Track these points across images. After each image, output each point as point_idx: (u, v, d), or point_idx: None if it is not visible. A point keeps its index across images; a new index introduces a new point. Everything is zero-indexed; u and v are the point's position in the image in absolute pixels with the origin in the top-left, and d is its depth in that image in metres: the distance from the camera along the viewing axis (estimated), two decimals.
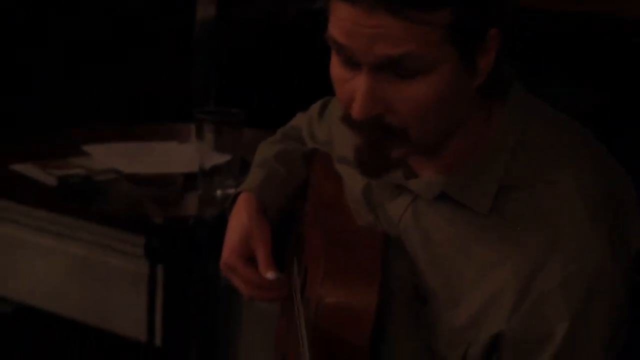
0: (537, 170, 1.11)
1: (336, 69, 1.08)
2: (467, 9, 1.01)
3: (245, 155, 1.81)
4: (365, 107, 1.03)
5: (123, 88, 2.75)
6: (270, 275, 1.26)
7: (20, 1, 2.92)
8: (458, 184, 1.13)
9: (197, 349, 2.40)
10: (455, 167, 1.14)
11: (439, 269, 1.16)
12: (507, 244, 1.09)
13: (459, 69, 1.04)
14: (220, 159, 1.84)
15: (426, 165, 1.17)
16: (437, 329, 1.16)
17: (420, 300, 1.17)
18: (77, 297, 2.61)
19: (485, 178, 1.11)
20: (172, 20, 2.69)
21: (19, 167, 1.97)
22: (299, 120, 1.53)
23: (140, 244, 2.32)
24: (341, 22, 1.02)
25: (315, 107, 1.49)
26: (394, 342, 1.20)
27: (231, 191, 1.80)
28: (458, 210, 1.13)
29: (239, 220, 1.35)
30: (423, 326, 1.18)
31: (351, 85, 1.05)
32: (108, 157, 2.03)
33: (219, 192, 1.84)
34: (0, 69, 2.86)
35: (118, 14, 2.77)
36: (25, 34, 2.92)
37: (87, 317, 2.61)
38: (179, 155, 2.05)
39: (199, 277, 2.28)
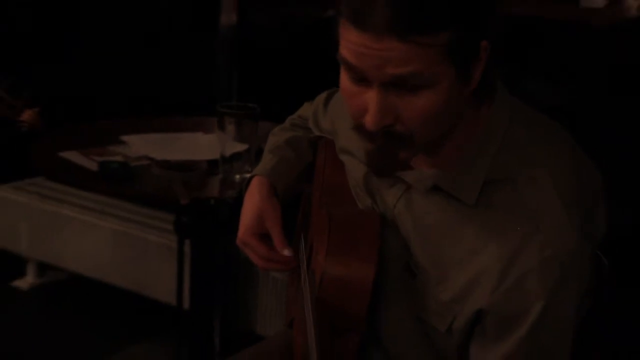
0: (518, 166, 1.08)
1: (346, 84, 1.05)
2: (463, 29, 0.98)
3: (261, 145, 1.80)
4: (378, 120, 1.01)
5: (156, 86, 2.76)
6: (286, 252, 1.25)
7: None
8: (449, 177, 1.10)
9: (220, 312, 2.39)
10: (446, 161, 1.11)
11: (428, 250, 1.13)
12: (490, 231, 1.07)
13: (457, 80, 1.01)
14: (239, 147, 1.82)
15: (421, 159, 1.14)
16: (424, 301, 1.14)
17: (411, 273, 1.15)
18: (117, 266, 2.61)
19: (473, 173, 1.09)
20: (198, 25, 2.67)
21: (66, 154, 1.97)
22: (306, 110, 1.49)
23: (170, 221, 2.35)
24: (352, 45, 0.99)
25: (321, 98, 1.44)
26: (387, 309, 1.18)
27: (248, 176, 1.79)
28: (447, 200, 1.11)
29: (253, 201, 1.32)
30: (413, 298, 1.15)
31: (361, 99, 1.03)
32: (142, 145, 2.03)
33: (237, 177, 1.81)
34: (54, 68, 2.84)
35: (152, 20, 2.76)
36: (73, 36, 2.91)
37: (125, 283, 2.61)
38: (203, 144, 2.04)
39: (221, 250, 2.27)
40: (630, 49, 1.75)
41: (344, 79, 1.05)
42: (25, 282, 2.83)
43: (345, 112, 1.16)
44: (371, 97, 1.01)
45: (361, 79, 1.02)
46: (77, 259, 2.68)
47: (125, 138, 2.06)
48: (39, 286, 2.83)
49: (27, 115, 1.67)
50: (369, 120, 1.02)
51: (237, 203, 1.37)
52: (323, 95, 1.44)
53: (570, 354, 1.09)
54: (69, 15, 2.90)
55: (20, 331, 2.60)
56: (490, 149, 1.09)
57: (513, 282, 1.04)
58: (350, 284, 1.08)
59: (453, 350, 1.14)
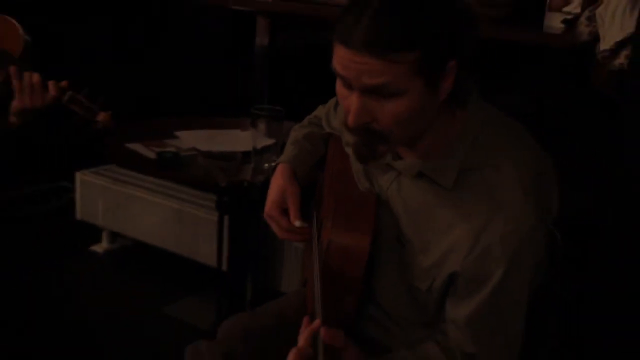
0: (485, 158, 1.07)
1: (339, 88, 1.05)
2: (430, 50, 0.96)
3: (285, 140, 1.78)
4: (356, 119, 1.01)
5: (204, 92, 2.74)
6: (297, 223, 1.24)
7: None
8: (431, 166, 1.09)
9: (251, 273, 2.38)
10: (430, 153, 1.10)
11: (413, 225, 1.13)
12: (463, 210, 1.06)
13: (425, 92, 0.99)
14: (268, 142, 1.81)
15: (409, 151, 1.13)
16: (410, 266, 1.13)
17: (400, 244, 1.14)
18: (171, 235, 2.60)
19: (450, 162, 1.08)
20: (238, 45, 2.66)
21: (131, 146, 1.98)
22: (320, 111, 1.48)
23: (213, 200, 2.31)
24: (339, 59, 1.00)
25: (332, 102, 1.43)
26: (382, 273, 1.18)
27: (274, 164, 1.77)
28: (430, 185, 1.10)
29: (277, 183, 1.32)
30: (401, 263, 1.15)
31: (349, 100, 1.03)
32: (191, 139, 2.02)
33: (266, 165, 1.80)
34: (126, 77, 2.84)
35: (204, 41, 2.76)
36: (143, 52, 2.90)
37: (177, 249, 2.60)
38: (239, 139, 2.04)
39: (253, 223, 2.26)
40: (581, 67, 1.72)
41: (338, 84, 1.05)
42: (101, 247, 2.84)
43: None
44: (353, 100, 1.01)
45: (348, 85, 1.02)
46: (141, 229, 2.67)
47: (178, 133, 2.07)
48: (111, 251, 2.83)
49: (101, 117, 1.65)
50: (349, 119, 1.02)
51: (266, 185, 1.36)
52: (334, 99, 1.43)
53: (524, 315, 1.08)
54: (140, 36, 2.91)
55: (97, 285, 2.61)
56: (464, 144, 1.08)
57: (480, 252, 1.04)
58: (350, 250, 1.07)
59: (432, 304, 1.14)
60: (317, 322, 0.98)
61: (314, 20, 2.24)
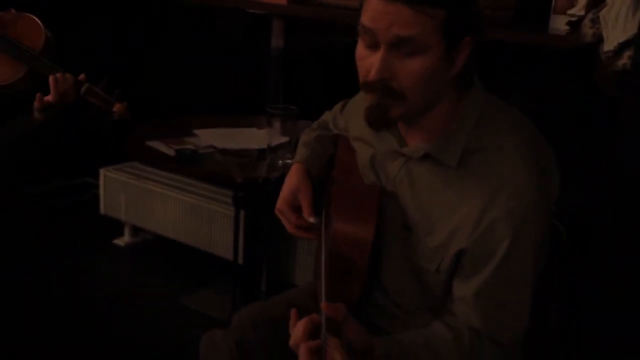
0: (489, 139, 1.10)
1: (360, 50, 1.09)
2: (454, 14, 1.02)
3: (299, 138, 1.80)
4: (379, 71, 1.04)
5: (221, 92, 2.76)
6: (311, 219, 1.25)
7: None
8: (436, 147, 1.13)
9: (266, 266, 2.41)
10: (434, 137, 1.13)
11: (421, 207, 1.15)
12: (468, 188, 1.09)
13: (443, 57, 1.04)
14: (282, 140, 1.84)
15: (414, 136, 1.17)
16: (418, 249, 1.16)
17: (408, 230, 1.17)
18: (189, 230, 2.63)
19: (454, 143, 1.11)
20: (255, 47, 2.68)
21: (152, 143, 2.00)
22: (327, 116, 1.52)
23: (229, 195, 2.36)
24: (370, 11, 1.04)
25: (338, 106, 1.48)
26: (388, 259, 1.21)
27: (288, 162, 1.80)
28: (435, 166, 1.13)
29: (291, 180, 1.34)
30: (409, 248, 1.17)
31: (369, 62, 1.06)
32: (209, 137, 2.04)
33: (280, 162, 1.83)
34: (151, 77, 2.87)
35: (222, 43, 2.78)
36: (166, 54, 2.93)
37: (195, 243, 2.62)
38: (255, 136, 2.05)
39: (268, 218, 2.27)
40: (586, 67, 1.72)
41: (360, 46, 1.08)
42: (123, 240, 2.86)
43: (358, 111, 1.21)
44: (377, 56, 1.04)
45: (372, 44, 1.05)
46: (161, 224, 2.69)
47: (196, 131, 2.08)
48: (133, 244, 2.86)
49: (117, 107, 1.69)
50: (373, 72, 1.04)
51: (280, 181, 1.37)
52: (339, 104, 1.47)
53: (530, 293, 1.09)
54: (164, 41, 2.94)
55: (119, 277, 2.65)
56: (467, 126, 1.11)
57: (486, 227, 1.06)
58: (354, 238, 1.09)
59: (440, 286, 1.15)
60: (323, 304, 1.01)
61: (327, 23, 2.26)
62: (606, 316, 1.57)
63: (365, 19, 1.04)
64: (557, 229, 1.24)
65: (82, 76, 1.68)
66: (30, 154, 1.73)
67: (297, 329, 1.01)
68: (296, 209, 1.28)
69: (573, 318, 1.50)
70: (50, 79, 1.64)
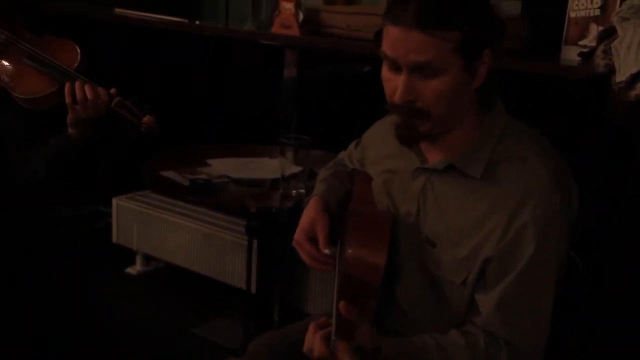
0: (512, 151, 1.13)
1: (385, 72, 1.12)
2: (470, 32, 1.05)
3: (312, 167, 1.81)
4: (404, 95, 1.08)
5: (234, 122, 2.78)
6: (326, 251, 1.25)
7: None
8: (460, 158, 1.15)
9: (279, 295, 2.39)
10: (456, 152, 1.16)
11: (446, 220, 1.17)
12: (493, 199, 1.12)
13: (463, 73, 1.07)
14: (295, 169, 1.84)
15: (435, 154, 1.19)
16: (443, 262, 1.17)
17: (431, 244, 1.18)
18: (202, 259, 2.62)
19: (479, 155, 1.14)
20: (268, 77, 2.70)
21: (165, 173, 2.00)
22: (342, 154, 1.54)
23: (243, 225, 2.34)
24: (389, 39, 1.08)
25: (352, 145, 1.51)
26: (404, 277, 1.22)
27: (302, 191, 1.81)
28: (459, 177, 1.16)
29: (309, 213, 1.34)
30: (430, 262, 1.18)
31: (394, 84, 1.10)
32: (222, 167, 2.04)
33: (293, 192, 1.83)
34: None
35: (237, 73, 2.81)
36: (183, 87, 2.95)
37: (208, 272, 2.62)
38: (268, 166, 2.05)
39: (281, 247, 2.28)
40: (598, 96, 1.73)
41: (384, 69, 1.12)
42: (135, 269, 2.87)
43: (376, 136, 1.30)
44: (401, 79, 1.07)
45: (394, 68, 1.08)
46: (173, 253, 2.70)
47: (209, 161, 2.08)
48: (145, 273, 2.86)
49: (147, 120, 1.76)
50: (398, 95, 1.08)
51: (293, 212, 1.40)
52: (353, 142, 1.50)
53: (551, 302, 1.11)
54: (179, 71, 2.97)
55: (130, 306, 2.64)
56: (492, 139, 1.14)
57: (512, 235, 1.09)
58: (367, 262, 1.10)
59: (462, 299, 1.16)
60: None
61: (339, 53, 2.29)
62: (621, 347, 1.55)
63: (385, 46, 1.08)
64: (573, 260, 1.24)
65: (113, 90, 1.77)
66: (64, 170, 1.79)
67: (309, 334, 1.08)
68: (313, 241, 1.28)
69: (588, 348, 1.49)
70: (77, 85, 1.72)
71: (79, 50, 1.90)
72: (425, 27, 1.03)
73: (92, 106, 1.73)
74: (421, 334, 1.15)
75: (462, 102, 1.12)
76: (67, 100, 1.75)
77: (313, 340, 1.09)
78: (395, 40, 1.06)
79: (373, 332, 1.05)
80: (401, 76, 1.08)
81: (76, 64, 1.87)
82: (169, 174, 1.98)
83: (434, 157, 1.20)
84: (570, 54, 1.85)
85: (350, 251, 1.12)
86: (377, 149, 1.34)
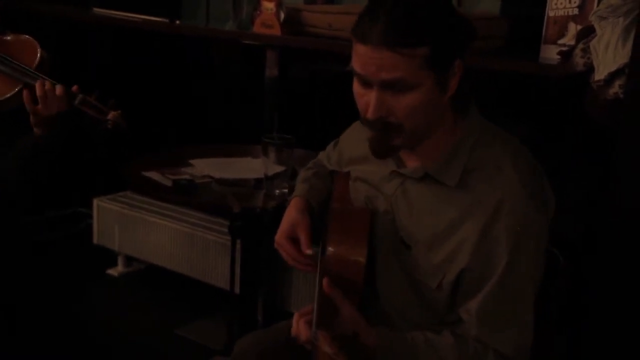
0: (487, 159, 1.13)
1: (356, 88, 1.12)
2: (439, 47, 1.04)
3: (295, 167, 1.81)
4: (376, 111, 1.08)
5: (217, 122, 2.77)
6: (308, 251, 1.27)
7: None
8: (436, 167, 1.15)
9: (263, 295, 2.39)
10: (432, 159, 1.16)
11: (421, 225, 1.17)
12: (468, 206, 1.12)
13: (435, 86, 1.07)
14: (278, 169, 1.83)
15: (412, 158, 1.19)
16: (419, 265, 1.17)
17: (406, 246, 1.19)
18: (184, 259, 2.61)
19: (454, 163, 1.14)
20: (250, 77, 2.69)
21: (148, 174, 1.99)
22: (321, 155, 1.55)
23: (226, 225, 2.34)
24: (358, 57, 1.07)
25: (330, 145, 1.52)
26: (386, 279, 1.22)
27: (285, 191, 1.80)
28: (434, 185, 1.16)
29: (290, 214, 1.35)
30: (408, 264, 1.19)
31: (366, 99, 1.09)
32: (205, 167, 2.03)
33: (277, 192, 1.83)
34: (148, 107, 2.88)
35: (218, 74, 2.80)
36: (161, 87, 2.94)
37: (191, 272, 2.61)
38: (251, 166, 2.05)
39: (264, 247, 2.27)
40: (577, 94, 1.75)
41: (355, 84, 1.11)
42: (116, 270, 2.86)
43: (353, 136, 1.30)
44: (372, 96, 1.07)
45: (366, 83, 1.08)
46: (155, 254, 2.69)
47: (192, 161, 2.07)
48: (126, 274, 2.85)
49: (111, 116, 1.71)
50: (370, 112, 1.08)
51: (277, 211, 1.39)
52: (331, 143, 1.51)
53: (532, 308, 1.12)
54: (160, 71, 2.95)
55: (112, 307, 2.63)
56: (466, 147, 1.14)
57: (487, 245, 1.09)
58: (348, 259, 1.12)
59: (441, 302, 1.17)
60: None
61: (320, 53, 2.28)
62: (607, 340, 1.57)
63: (355, 63, 1.08)
64: (554, 255, 1.26)
65: (74, 87, 1.71)
66: (34, 171, 1.74)
67: (294, 321, 1.11)
68: (295, 241, 1.29)
69: (574, 343, 1.51)
70: (37, 85, 1.67)
71: (38, 48, 1.82)
72: (394, 45, 1.02)
73: (52, 104, 1.68)
74: (410, 330, 1.15)
75: (436, 113, 1.12)
76: (26, 102, 1.70)
77: (298, 327, 1.11)
78: (364, 58, 1.05)
79: (356, 314, 1.07)
80: (373, 92, 1.07)
81: (36, 62, 1.79)
82: (152, 174, 1.97)
83: (411, 161, 1.20)
84: (550, 53, 1.87)
85: (330, 249, 1.13)
86: (354, 149, 1.34)
